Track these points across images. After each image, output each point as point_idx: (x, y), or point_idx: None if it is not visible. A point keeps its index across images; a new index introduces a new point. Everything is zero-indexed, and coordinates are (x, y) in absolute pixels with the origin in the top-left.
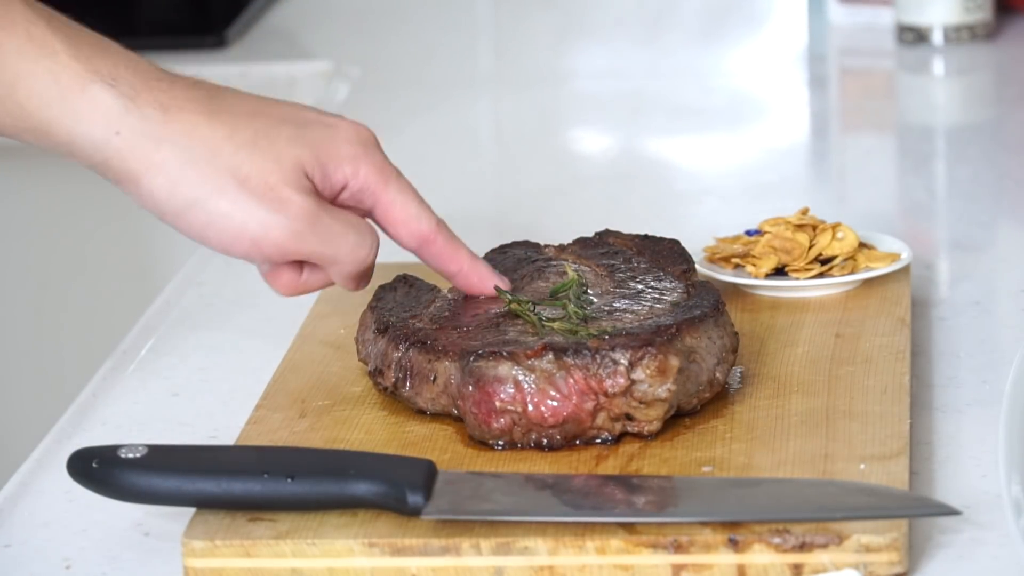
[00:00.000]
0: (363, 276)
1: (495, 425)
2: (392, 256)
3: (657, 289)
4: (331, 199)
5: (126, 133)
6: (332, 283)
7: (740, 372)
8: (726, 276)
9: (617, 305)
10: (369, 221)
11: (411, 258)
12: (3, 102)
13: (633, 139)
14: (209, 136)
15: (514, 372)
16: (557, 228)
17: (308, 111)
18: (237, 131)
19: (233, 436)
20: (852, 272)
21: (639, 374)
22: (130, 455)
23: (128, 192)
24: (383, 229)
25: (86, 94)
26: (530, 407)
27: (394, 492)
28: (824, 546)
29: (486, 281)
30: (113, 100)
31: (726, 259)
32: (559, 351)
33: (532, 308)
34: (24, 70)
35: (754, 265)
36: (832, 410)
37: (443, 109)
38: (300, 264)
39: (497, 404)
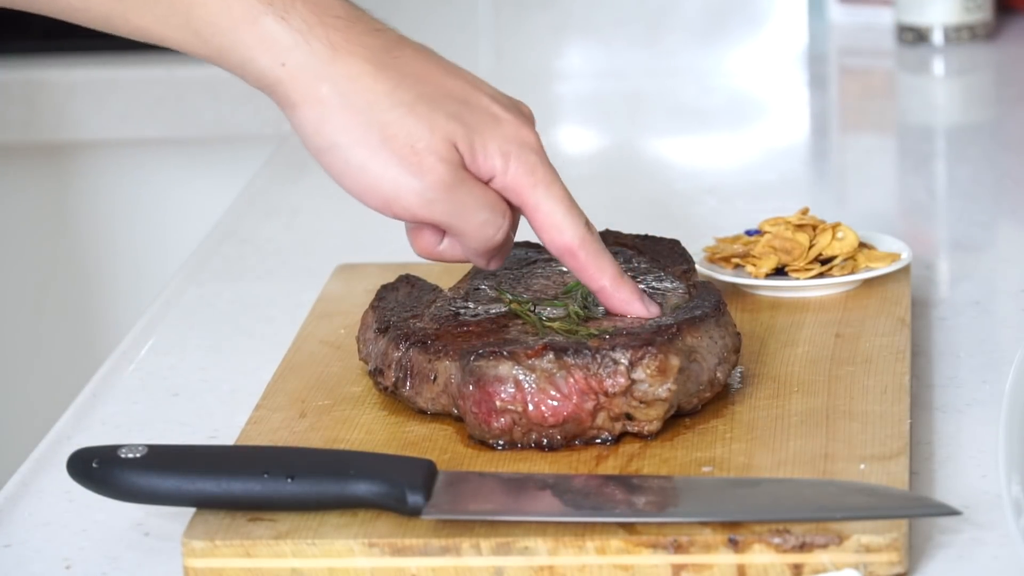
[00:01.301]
0: (494, 255)
1: (495, 425)
2: (394, 256)
3: (658, 289)
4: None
5: (291, 65)
6: (468, 260)
7: (740, 372)
8: (726, 276)
9: None
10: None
11: (413, 259)
12: (180, 29)
13: (633, 139)
14: (371, 87)
15: (514, 372)
16: None
17: (481, 93)
18: (399, 89)
19: (233, 436)
20: (852, 272)
21: (639, 374)
22: (130, 455)
23: (286, 116)
24: (534, 233)
25: (257, 26)
26: (530, 407)
27: (394, 492)
28: (824, 546)
29: (628, 305)
30: (283, 33)
31: (726, 259)
32: (559, 351)
33: (532, 308)
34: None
35: (754, 265)
36: (832, 410)
37: None
38: (442, 230)
39: (497, 404)
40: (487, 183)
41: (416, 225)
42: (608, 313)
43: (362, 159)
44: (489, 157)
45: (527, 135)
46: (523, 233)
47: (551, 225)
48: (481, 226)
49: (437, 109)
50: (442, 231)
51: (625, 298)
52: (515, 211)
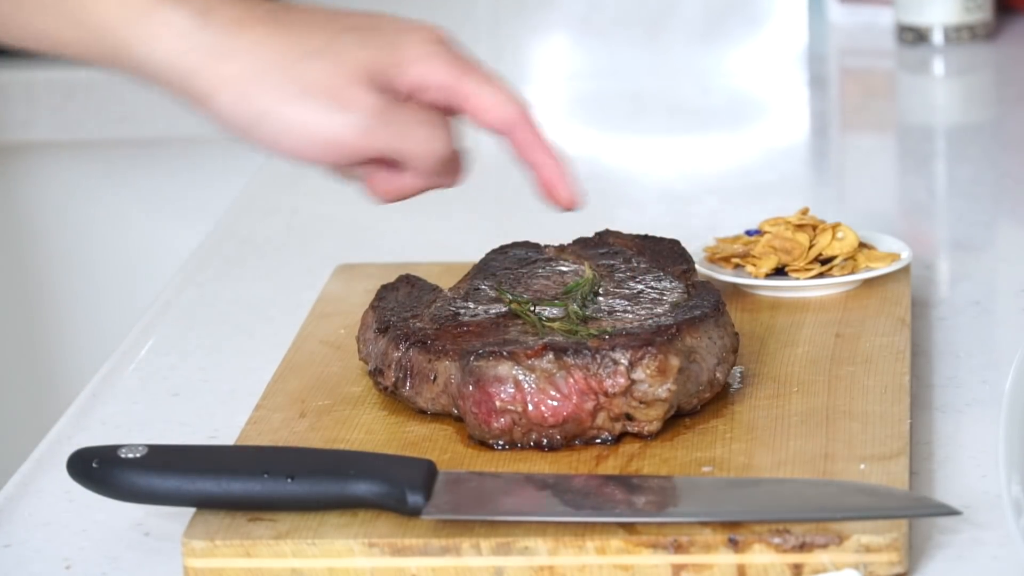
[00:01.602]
0: (449, 170)
1: (495, 425)
2: (394, 256)
3: (657, 289)
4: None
5: (198, 50)
6: (431, 187)
7: (740, 372)
8: (726, 276)
9: (617, 305)
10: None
11: (414, 259)
12: (76, 29)
13: (633, 139)
14: (278, 47)
15: (514, 372)
16: (557, 228)
17: (382, 18)
18: (304, 40)
19: (233, 436)
20: (852, 272)
21: (639, 374)
22: (130, 455)
23: (202, 112)
24: (474, 122)
25: (155, 16)
26: (530, 407)
27: (394, 492)
28: (824, 546)
29: (559, 183)
30: (183, 19)
31: (726, 259)
32: (559, 351)
33: (532, 308)
34: None
35: (754, 265)
36: (832, 410)
37: None
38: (395, 167)
39: (497, 404)
40: (417, 96)
41: (367, 173)
42: (609, 313)
43: (291, 115)
44: (410, 65)
45: (439, 34)
46: (521, 233)
47: (494, 103)
48: (425, 141)
49: (343, 44)
50: (394, 166)
51: (558, 174)
52: (451, 122)
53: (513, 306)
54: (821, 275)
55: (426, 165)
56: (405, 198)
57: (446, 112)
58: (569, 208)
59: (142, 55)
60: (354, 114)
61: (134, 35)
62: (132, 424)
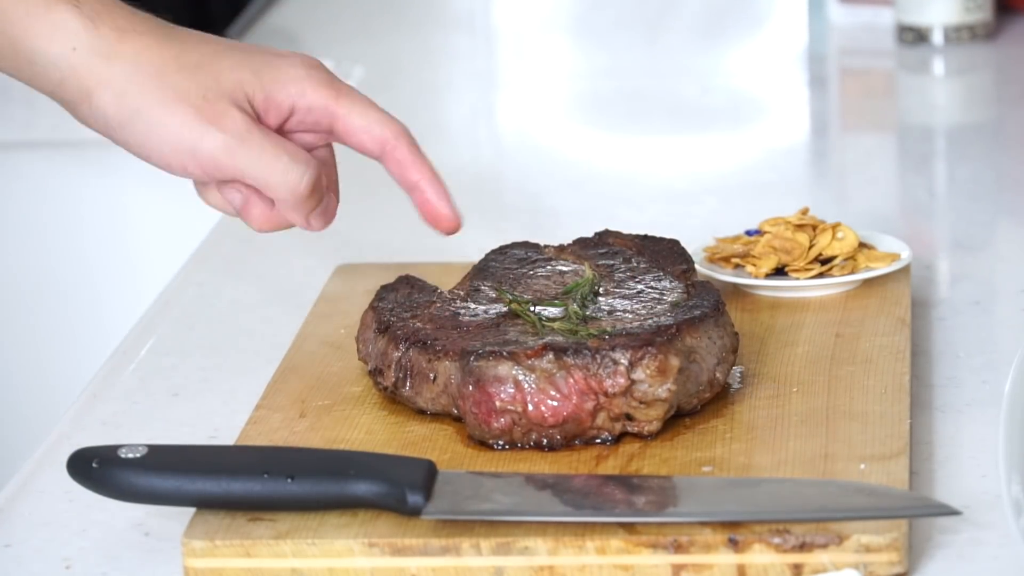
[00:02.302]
0: (310, 208)
1: (495, 425)
2: (394, 256)
3: (657, 289)
4: (279, 124)
5: (81, 50)
6: (300, 224)
7: (740, 372)
8: (726, 276)
9: (617, 305)
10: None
11: (413, 259)
12: None
13: (633, 139)
14: (158, 55)
15: (514, 372)
16: (557, 228)
17: (260, 46)
18: (185, 53)
19: (233, 436)
20: (852, 272)
21: (639, 374)
22: (130, 455)
23: (81, 113)
24: (348, 143)
25: (51, 14)
26: (530, 407)
27: (394, 492)
28: (824, 546)
29: (439, 204)
30: (75, 20)
31: (726, 259)
32: (559, 351)
33: (532, 308)
34: None
35: (754, 265)
36: (832, 410)
37: (443, 109)
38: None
39: (497, 404)
40: (289, 118)
41: (242, 200)
42: (609, 313)
43: (162, 116)
44: (283, 87)
45: (313, 61)
46: (521, 233)
47: (368, 123)
48: (282, 171)
49: (221, 61)
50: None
51: (440, 193)
52: (318, 162)
53: (513, 306)
54: (821, 275)
55: (282, 196)
56: (279, 229)
57: (325, 134)
58: (449, 232)
59: (36, 48)
60: (220, 131)
61: (26, 31)
62: (132, 424)
